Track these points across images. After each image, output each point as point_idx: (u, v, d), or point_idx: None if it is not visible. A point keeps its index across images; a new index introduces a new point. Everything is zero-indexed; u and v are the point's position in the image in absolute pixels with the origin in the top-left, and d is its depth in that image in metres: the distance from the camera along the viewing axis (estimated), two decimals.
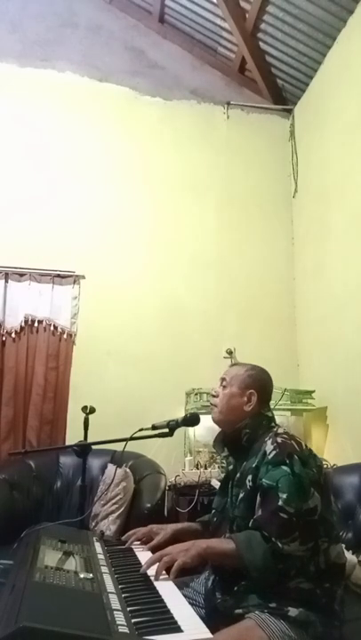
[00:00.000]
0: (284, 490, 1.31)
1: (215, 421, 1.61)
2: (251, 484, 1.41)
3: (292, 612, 1.25)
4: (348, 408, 3.11)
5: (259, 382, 1.61)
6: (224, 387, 1.60)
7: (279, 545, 1.26)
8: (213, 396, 1.63)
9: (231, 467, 1.61)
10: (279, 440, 1.42)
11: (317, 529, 1.33)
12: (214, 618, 1.32)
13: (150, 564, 1.31)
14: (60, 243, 3.62)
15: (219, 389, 1.62)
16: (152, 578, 1.26)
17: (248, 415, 1.55)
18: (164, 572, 1.28)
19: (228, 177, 4.03)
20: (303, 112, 4.06)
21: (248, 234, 4.00)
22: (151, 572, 1.29)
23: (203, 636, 0.99)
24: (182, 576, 1.40)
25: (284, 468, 1.34)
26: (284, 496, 1.30)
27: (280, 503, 1.29)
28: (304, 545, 1.29)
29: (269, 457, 1.39)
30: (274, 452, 1.39)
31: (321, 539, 1.34)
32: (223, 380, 1.62)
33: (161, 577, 1.27)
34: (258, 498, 1.37)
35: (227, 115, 4.15)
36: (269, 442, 1.43)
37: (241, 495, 1.44)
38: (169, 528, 1.58)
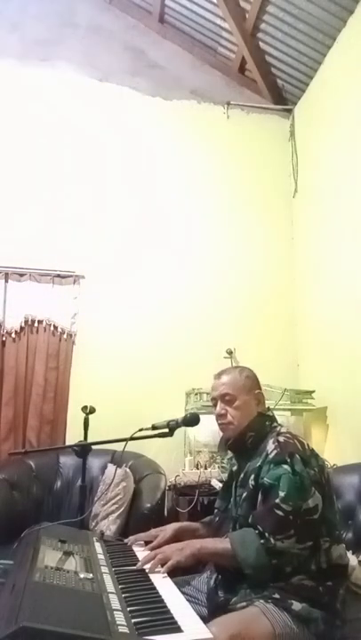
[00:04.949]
0: (283, 488, 1.32)
1: (230, 437, 1.55)
2: (253, 483, 1.42)
3: (296, 605, 1.26)
4: (348, 408, 3.11)
5: (256, 380, 1.62)
6: (229, 401, 1.55)
7: (272, 541, 1.27)
8: (221, 415, 1.56)
9: (235, 468, 1.61)
10: (281, 439, 1.43)
11: (318, 528, 1.34)
12: (217, 616, 1.33)
13: (145, 561, 1.33)
14: (60, 243, 3.62)
15: (226, 407, 1.55)
16: (152, 579, 1.26)
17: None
18: (158, 566, 1.31)
19: (228, 177, 4.03)
20: (303, 112, 4.06)
21: (248, 234, 4.00)
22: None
23: (203, 636, 0.99)
24: (181, 575, 1.41)
25: (285, 466, 1.35)
26: (283, 494, 1.31)
27: (277, 500, 1.31)
28: (301, 543, 1.29)
29: (271, 456, 1.40)
30: (275, 452, 1.40)
31: (323, 538, 1.34)
32: (225, 395, 1.56)
33: (160, 576, 1.27)
34: (259, 496, 1.38)
35: (227, 115, 4.15)
36: (271, 441, 1.44)
37: (244, 495, 1.45)
38: (168, 528, 1.58)
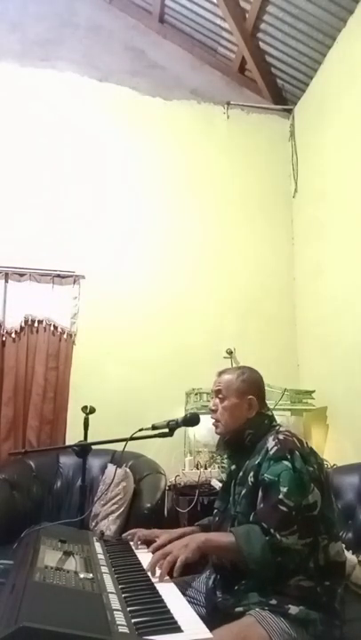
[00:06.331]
0: (284, 484, 1.33)
1: (220, 435, 1.59)
2: (252, 479, 1.42)
3: (293, 609, 1.26)
4: (348, 408, 3.11)
5: (254, 385, 1.61)
6: (221, 399, 1.59)
7: (278, 537, 1.27)
8: (213, 410, 1.61)
9: (234, 467, 1.61)
10: (281, 437, 1.44)
11: (317, 525, 1.34)
12: (215, 616, 1.33)
13: (154, 564, 1.31)
14: (60, 243, 3.62)
15: (217, 402, 1.59)
16: (153, 578, 1.26)
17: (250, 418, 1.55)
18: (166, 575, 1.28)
19: (229, 177, 4.03)
20: (303, 112, 4.06)
21: (248, 234, 3.99)
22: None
23: (203, 636, 0.99)
24: (184, 574, 1.40)
25: (286, 462, 1.36)
26: (285, 489, 1.32)
27: (280, 496, 1.31)
28: (303, 539, 1.30)
29: (271, 452, 1.41)
30: (275, 448, 1.41)
31: (321, 535, 1.34)
32: (218, 391, 1.60)
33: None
34: (260, 493, 1.38)
35: (227, 115, 4.15)
36: (271, 439, 1.45)
37: (243, 492, 1.46)
38: (174, 532, 1.57)
